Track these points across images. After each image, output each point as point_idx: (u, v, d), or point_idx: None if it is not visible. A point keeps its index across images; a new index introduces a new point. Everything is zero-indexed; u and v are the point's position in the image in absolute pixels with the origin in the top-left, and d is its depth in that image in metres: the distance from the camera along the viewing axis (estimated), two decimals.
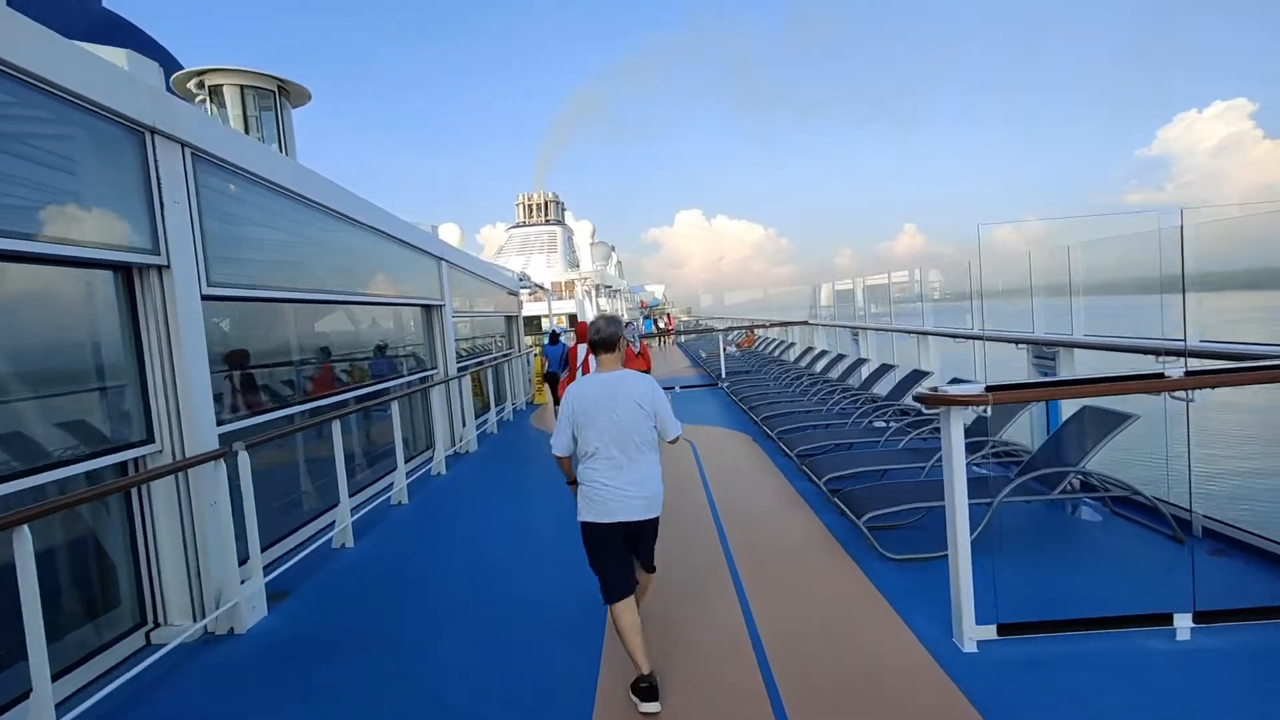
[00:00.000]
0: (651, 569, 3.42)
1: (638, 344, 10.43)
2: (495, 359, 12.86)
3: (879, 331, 11.28)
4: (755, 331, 22.52)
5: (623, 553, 3.18)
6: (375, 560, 5.24)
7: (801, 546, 4.82)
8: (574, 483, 3.32)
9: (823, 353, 13.21)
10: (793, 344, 16.84)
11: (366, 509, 6.15)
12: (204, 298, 4.16)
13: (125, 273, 3.76)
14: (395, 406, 6.68)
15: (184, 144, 4.04)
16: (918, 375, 8.05)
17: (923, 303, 9.59)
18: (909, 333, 9.57)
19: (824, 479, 5.65)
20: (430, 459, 8.11)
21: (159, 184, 3.79)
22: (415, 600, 4.44)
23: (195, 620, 3.88)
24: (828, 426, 7.91)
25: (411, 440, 8.78)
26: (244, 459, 4.09)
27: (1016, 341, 6.60)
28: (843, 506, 5.07)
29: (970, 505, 4.64)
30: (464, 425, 9.43)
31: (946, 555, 4.09)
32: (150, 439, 3.83)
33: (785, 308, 22.38)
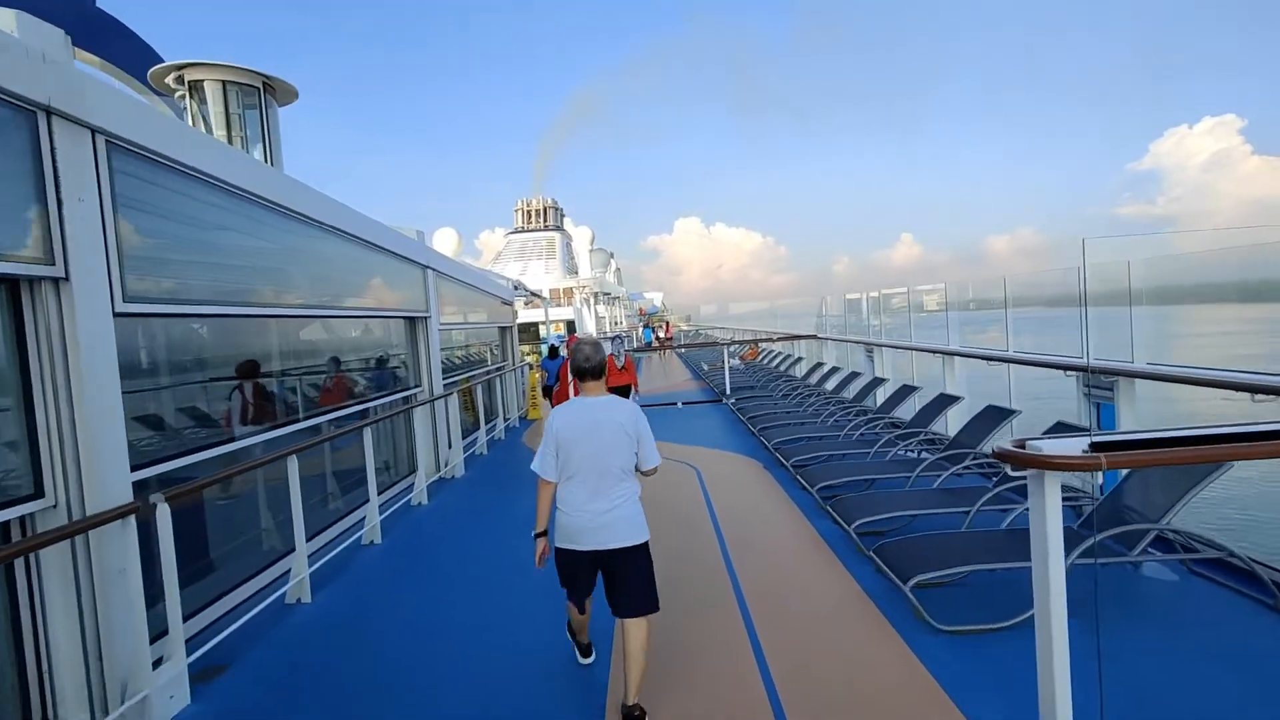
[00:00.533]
0: (633, 610, 3.07)
1: (621, 358, 10.12)
2: (488, 372, 12.14)
3: (897, 349, 10.55)
4: (759, 344, 21.80)
5: (592, 575, 3.19)
6: (337, 618, 4.50)
7: (834, 611, 4.09)
8: (543, 534, 3.22)
9: (833, 369, 12.50)
10: (800, 358, 16.13)
11: (331, 553, 5.40)
12: (118, 315, 3.43)
13: (10, 286, 3.04)
14: (367, 434, 5.94)
15: (95, 129, 3.32)
16: (945, 400, 7.35)
17: (947, 315, 8.88)
18: (934, 352, 8.85)
19: (854, 524, 4.92)
20: (411, 487, 7.37)
21: (56, 177, 3.07)
22: (384, 669, 3.71)
23: (95, 717, 3.14)
24: (845, 457, 7.19)
25: (392, 464, 8.05)
26: (164, 514, 3.35)
27: (1066, 368, 5.90)
28: (881, 564, 4.34)
29: (1018, 568, 3.96)
30: (450, 447, 8.69)
31: (1008, 626, 3.49)
32: (39, 493, 3.09)
33: (789, 318, 21.71)
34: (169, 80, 10.37)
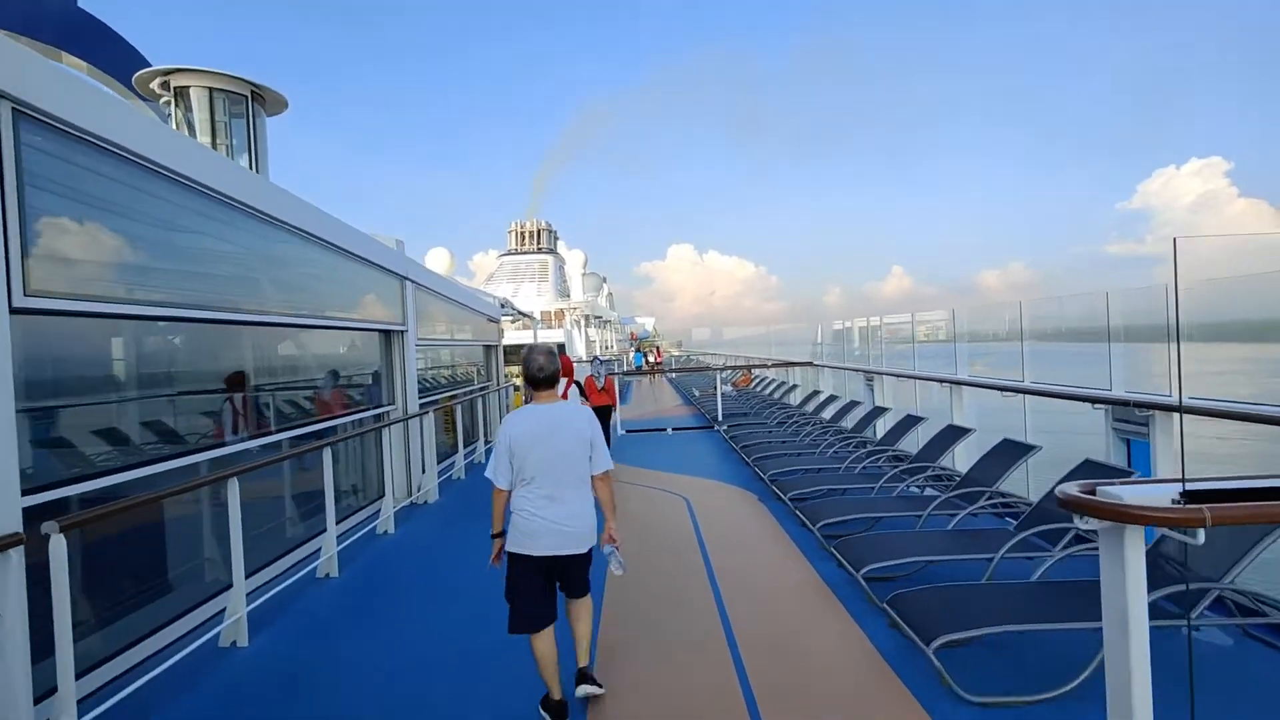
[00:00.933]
0: (583, 593, 3.30)
1: (601, 379, 10.15)
2: (469, 393, 11.60)
3: (899, 378, 10.10)
4: (752, 370, 21.36)
5: (542, 586, 3.17)
6: (276, 664, 3.92)
7: (843, 673, 3.55)
8: (500, 535, 3.24)
9: (831, 398, 12.02)
10: (795, 386, 15.65)
11: (278, 587, 4.82)
12: (16, 311, 2.92)
13: None
14: (327, 455, 5.39)
15: None
16: (955, 433, 6.88)
17: (955, 344, 8.44)
18: (941, 381, 8.40)
19: (863, 570, 4.40)
20: (377, 513, 6.80)
21: None
22: None
23: None
24: (847, 492, 6.69)
25: (360, 487, 7.47)
26: (58, 546, 2.81)
27: (1094, 401, 5.44)
28: (896, 618, 3.81)
29: (1060, 630, 3.46)
30: (424, 471, 8.12)
31: (1049, 698, 3.09)
32: None
33: (783, 344, 21.31)
34: (154, 85, 9.95)
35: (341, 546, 5.70)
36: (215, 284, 4.81)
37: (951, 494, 5.54)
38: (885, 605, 3.88)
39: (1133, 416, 5.08)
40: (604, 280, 65.26)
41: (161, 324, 4.38)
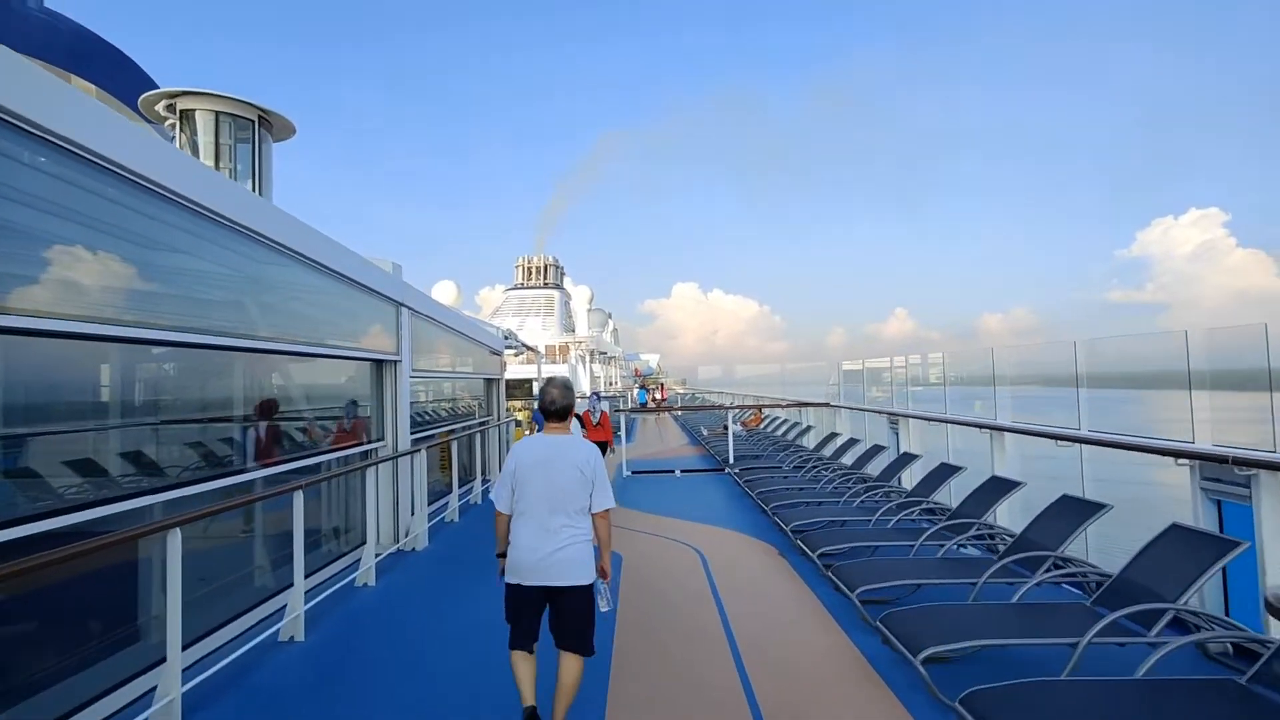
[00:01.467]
0: (575, 646, 3.17)
1: (597, 414, 10.17)
2: (468, 428, 10.93)
3: (929, 421, 9.40)
4: (763, 410, 20.63)
5: (531, 616, 3.19)
6: None
7: None
8: (504, 555, 3.26)
9: (851, 441, 11.30)
10: (809, 427, 14.93)
11: (234, 654, 4.12)
12: None
13: None
14: (297, 500, 4.73)
15: None
16: (1003, 485, 6.17)
17: (994, 387, 7.76)
18: (981, 427, 7.70)
19: (922, 656, 3.67)
20: (358, 563, 6.09)
21: None
22: None
23: None
24: (885, 551, 5.98)
25: (343, 530, 6.78)
26: None
27: (1178, 455, 4.76)
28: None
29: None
30: (413, 514, 7.43)
31: None
32: None
33: (793, 384, 20.63)
34: (160, 108, 9.63)
35: (312, 604, 5.00)
36: (171, 302, 4.21)
37: (1016, 559, 4.82)
38: (959, 708, 3.14)
39: (1229, 475, 4.40)
40: (609, 316, 65.09)
41: (87, 344, 3.75)
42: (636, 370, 76.41)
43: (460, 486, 9.07)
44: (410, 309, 7.81)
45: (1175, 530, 4.10)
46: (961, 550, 5.76)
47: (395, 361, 7.45)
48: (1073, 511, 5.03)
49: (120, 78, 11.82)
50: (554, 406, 3.26)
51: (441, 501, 8.85)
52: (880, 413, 11.24)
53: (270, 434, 5.42)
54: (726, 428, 14.16)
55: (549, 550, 3.08)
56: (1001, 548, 5.71)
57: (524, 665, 3.17)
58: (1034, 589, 4.40)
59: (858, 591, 4.80)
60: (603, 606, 3.30)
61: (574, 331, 48.10)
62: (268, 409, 5.53)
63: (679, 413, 28.09)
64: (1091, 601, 4.16)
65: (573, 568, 3.12)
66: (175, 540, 3.48)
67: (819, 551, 5.97)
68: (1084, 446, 6.06)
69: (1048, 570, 4.64)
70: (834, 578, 5.33)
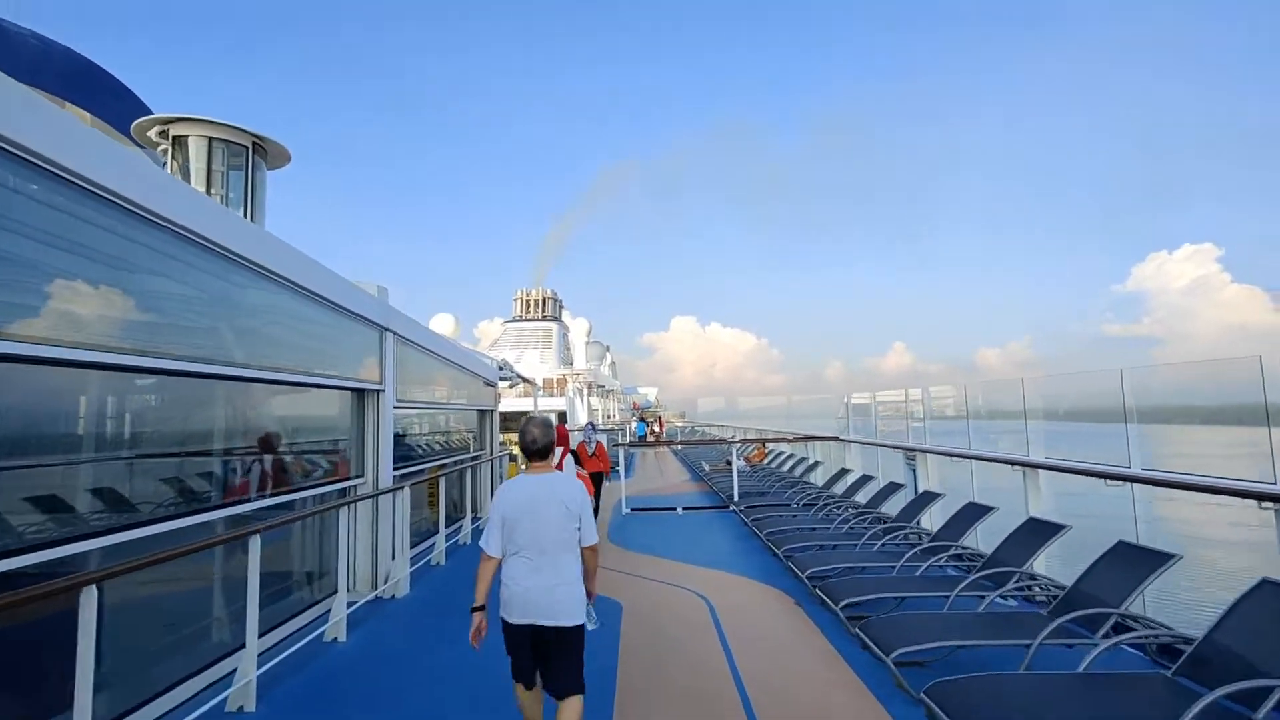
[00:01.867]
0: (570, 690, 3.12)
1: (593, 445, 10.85)
2: (458, 463, 10.32)
3: (952, 457, 8.81)
4: (766, 445, 20.00)
5: (529, 652, 3.18)
6: None
7: None
8: (481, 608, 3.21)
9: (864, 478, 10.69)
10: (817, 463, 14.30)
11: None
12: None
13: None
14: (254, 545, 4.14)
15: None
16: (1044, 528, 5.58)
17: (1025, 421, 7.21)
18: (1012, 464, 7.12)
19: None
20: (327, 615, 5.46)
21: None
22: None
23: None
24: (905, 603, 5.38)
25: (316, 576, 6.16)
26: None
27: (1263, 497, 4.20)
28: None
29: None
30: (394, 557, 6.80)
31: None
32: None
33: (796, 418, 20.04)
34: (152, 134, 9.31)
35: (268, 666, 4.38)
36: (153, 328, 3.68)
37: (1066, 618, 4.22)
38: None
39: None
40: (607, 349, 64.80)
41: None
42: (635, 404, 75.80)
43: (448, 526, 8.44)
44: (395, 334, 7.29)
45: (1267, 585, 3.53)
46: (1001, 603, 5.16)
47: (378, 391, 6.91)
48: (1133, 560, 4.45)
49: (114, 104, 11.57)
50: (535, 446, 3.32)
51: (428, 542, 8.22)
52: (896, 448, 10.65)
53: (231, 471, 4.84)
54: (730, 463, 13.54)
55: (540, 588, 3.11)
56: (1045, 598, 5.12)
57: (527, 697, 3.26)
58: (1104, 655, 3.80)
59: (894, 655, 4.19)
60: (589, 625, 3.31)
61: (572, 364, 47.68)
62: (252, 442, 4.96)
63: (679, 447, 27.40)
64: (1173, 672, 3.57)
65: (562, 608, 3.13)
66: (90, 598, 2.90)
67: (842, 603, 5.35)
68: (1136, 486, 5.49)
69: (1111, 632, 4.05)
70: (863, 635, 4.71)
